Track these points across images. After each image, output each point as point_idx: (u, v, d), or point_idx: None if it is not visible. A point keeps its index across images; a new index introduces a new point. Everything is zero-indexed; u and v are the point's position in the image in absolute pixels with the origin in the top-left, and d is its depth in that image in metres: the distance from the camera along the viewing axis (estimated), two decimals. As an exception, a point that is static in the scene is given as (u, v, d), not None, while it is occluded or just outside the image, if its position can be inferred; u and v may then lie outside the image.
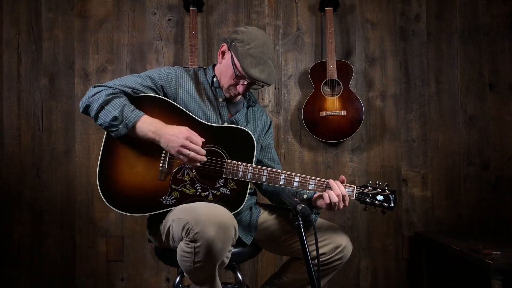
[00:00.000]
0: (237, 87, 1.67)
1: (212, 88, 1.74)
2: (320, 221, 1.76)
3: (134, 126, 1.52)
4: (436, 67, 2.83)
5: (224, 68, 1.69)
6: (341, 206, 1.58)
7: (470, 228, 2.79)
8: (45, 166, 2.71)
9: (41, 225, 2.70)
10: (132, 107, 1.54)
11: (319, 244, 1.63)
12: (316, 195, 1.68)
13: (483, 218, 2.80)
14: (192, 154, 1.51)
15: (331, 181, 1.60)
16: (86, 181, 2.70)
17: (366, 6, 2.83)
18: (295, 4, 2.83)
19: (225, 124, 1.69)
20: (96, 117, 1.55)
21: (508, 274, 2.04)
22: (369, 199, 1.64)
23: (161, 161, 1.59)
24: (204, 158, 1.55)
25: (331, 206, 1.58)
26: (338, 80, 2.65)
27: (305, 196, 1.72)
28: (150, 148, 1.57)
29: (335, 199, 1.56)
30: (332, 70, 2.63)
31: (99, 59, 2.76)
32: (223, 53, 1.71)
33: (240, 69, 1.61)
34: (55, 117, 2.73)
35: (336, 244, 1.65)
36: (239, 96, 1.78)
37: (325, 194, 1.57)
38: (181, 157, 1.52)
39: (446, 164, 2.81)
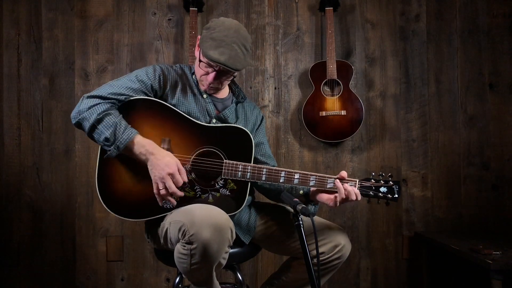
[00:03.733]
0: (207, 77, 1.64)
1: (194, 84, 1.73)
2: (318, 220, 1.76)
3: (125, 148, 1.50)
4: (436, 67, 2.83)
5: (196, 60, 1.68)
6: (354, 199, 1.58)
7: (470, 228, 2.79)
8: (45, 166, 2.71)
9: (41, 225, 2.70)
10: (124, 125, 1.50)
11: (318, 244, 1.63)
12: (313, 189, 1.66)
13: (483, 218, 2.79)
14: (163, 191, 1.50)
15: (336, 181, 1.58)
16: (86, 181, 2.70)
17: (366, 6, 2.83)
18: (295, 4, 2.83)
19: (222, 124, 1.68)
20: (90, 135, 1.53)
21: (508, 274, 2.04)
22: (372, 192, 1.61)
23: None
24: (174, 203, 1.53)
25: (338, 203, 1.58)
26: (338, 80, 2.65)
27: (301, 192, 1.71)
28: None
29: (343, 195, 1.55)
30: (332, 70, 2.63)
31: (99, 59, 2.76)
32: (198, 46, 1.69)
33: (202, 54, 1.59)
34: (55, 117, 2.73)
35: (335, 243, 1.65)
36: (225, 92, 1.77)
37: (339, 186, 1.56)
38: (154, 186, 1.51)
39: (446, 164, 2.81)
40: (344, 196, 1.55)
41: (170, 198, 1.52)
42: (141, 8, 2.78)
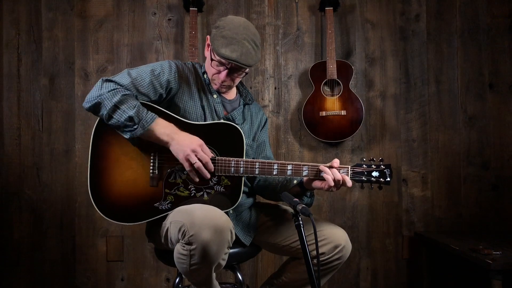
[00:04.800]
0: (219, 75, 1.66)
1: (205, 83, 1.74)
2: (318, 220, 1.75)
3: (149, 128, 1.50)
4: (436, 67, 2.83)
5: (207, 59, 1.69)
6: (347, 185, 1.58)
7: (470, 228, 2.79)
8: (45, 166, 2.71)
9: (41, 225, 2.70)
10: (145, 109, 1.52)
11: (318, 244, 1.63)
12: (306, 178, 1.66)
13: (483, 218, 2.79)
14: (198, 163, 1.50)
15: (322, 166, 1.59)
16: (86, 181, 2.66)
17: (366, 6, 2.83)
18: (295, 4, 2.83)
19: (211, 121, 1.68)
20: (108, 116, 1.51)
21: (508, 274, 2.05)
22: (364, 177, 1.62)
23: (151, 167, 1.58)
24: (208, 175, 1.53)
25: (331, 188, 1.58)
26: (338, 80, 2.65)
27: (295, 181, 1.71)
28: (138, 155, 1.56)
29: (331, 183, 1.55)
30: (332, 70, 2.63)
31: (99, 59, 2.76)
32: (208, 46, 1.70)
33: (214, 53, 1.61)
34: (55, 117, 2.73)
35: (335, 244, 1.65)
36: (233, 93, 1.78)
37: (327, 177, 1.56)
38: (186, 164, 1.51)
39: (446, 164, 2.81)
40: (332, 184, 1.55)
41: (204, 170, 1.52)
42: (141, 8, 2.78)
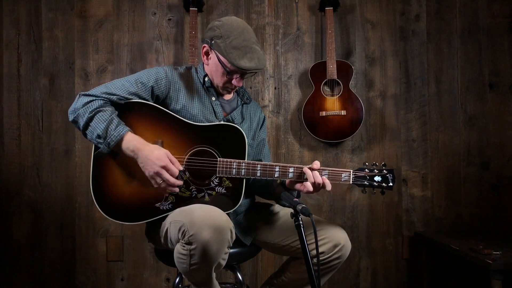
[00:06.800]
0: (232, 82, 1.66)
1: (204, 87, 1.73)
2: (318, 219, 1.75)
3: (116, 145, 1.50)
4: (436, 67, 2.83)
5: (213, 69, 1.67)
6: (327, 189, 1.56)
7: (470, 228, 2.79)
8: (45, 166, 2.71)
9: (41, 225, 2.70)
10: (116, 122, 1.50)
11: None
12: (288, 179, 1.65)
13: (483, 218, 2.79)
14: (163, 185, 1.50)
15: (305, 169, 1.57)
16: (86, 181, 2.70)
17: (366, 6, 2.83)
18: (295, 4, 2.83)
19: (214, 123, 1.68)
20: (84, 134, 1.55)
21: (508, 274, 2.04)
22: (366, 182, 1.62)
23: None
24: (176, 189, 1.53)
25: (312, 191, 1.56)
26: (338, 80, 2.65)
27: (278, 181, 1.70)
28: None
29: (310, 188, 1.54)
30: (332, 70, 2.63)
31: (99, 59, 2.76)
32: (206, 54, 1.69)
33: (228, 65, 1.59)
34: (55, 117, 2.73)
35: (335, 243, 1.64)
36: (232, 93, 1.79)
37: (307, 184, 1.55)
38: (152, 181, 1.51)
39: (446, 164, 2.81)
40: (311, 189, 1.54)
41: (172, 188, 1.52)
42: (141, 8, 2.78)
